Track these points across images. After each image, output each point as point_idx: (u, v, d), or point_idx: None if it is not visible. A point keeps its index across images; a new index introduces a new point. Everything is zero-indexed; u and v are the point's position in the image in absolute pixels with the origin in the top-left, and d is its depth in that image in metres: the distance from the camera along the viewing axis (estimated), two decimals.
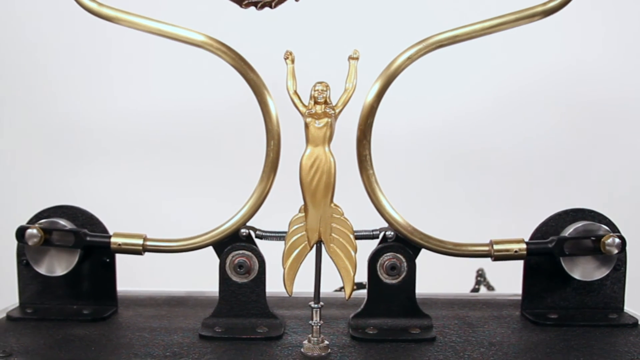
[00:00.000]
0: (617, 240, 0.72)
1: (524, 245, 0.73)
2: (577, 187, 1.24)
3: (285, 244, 0.69)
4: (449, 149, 1.27)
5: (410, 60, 0.71)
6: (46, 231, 0.74)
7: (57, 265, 0.76)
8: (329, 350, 0.67)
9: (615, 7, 1.23)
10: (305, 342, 0.67)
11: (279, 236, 0.73)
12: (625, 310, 0.77)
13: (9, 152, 1.29)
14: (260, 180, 0.72)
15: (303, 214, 0.69)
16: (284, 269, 0.69)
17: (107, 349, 0.67)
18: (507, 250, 0.73)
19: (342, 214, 0.69)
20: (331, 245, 0.69)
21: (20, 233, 0.73)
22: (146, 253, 0.75)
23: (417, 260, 0.74)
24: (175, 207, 1.27)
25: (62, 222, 0.76)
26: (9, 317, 0.76)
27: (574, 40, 1.22)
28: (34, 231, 0.73)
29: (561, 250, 0.73)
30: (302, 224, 0.69)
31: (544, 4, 0.70)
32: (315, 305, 0.67)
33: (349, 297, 0.69)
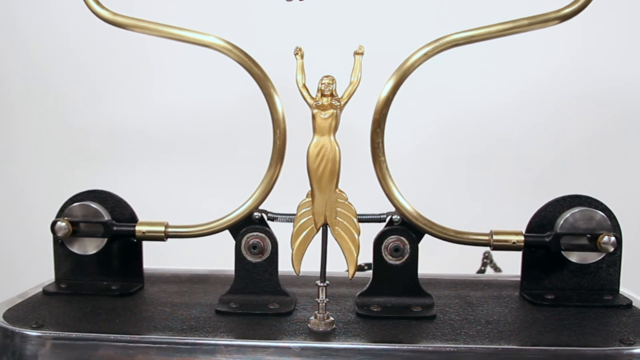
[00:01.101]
0: (612, 238, 0.74)
1: (521, 238, 0.76)
2: (579, 179, 1.25)
3: (293, 226, 0.73)
4: (457, 142, 1.29)
5: (426, 56, 0.74)
6: (74, 223, 0.80)
7: (89, 246, 0.82)
8: (334, 325, 0.70)
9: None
10: (312, 318, 0.70)
11: (288, 218, 0.76)
12: (620, 292, 0.79)
13: (51, 148, 1.38)
14: (269, 167, 0.76)
15: (310, 199, 0.72)
16: (292, 249, 0.72)
17: (130, 321, 0.72)
18: (506, 241, 0.76)
19: (347, 199, 0.72)
20: (336, 228, 0.72)
21: (52, 225, 0.80)
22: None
23: (429, 243, 0.77)
24: (194, 195, 1.32)
25: (93, 205, 0.81)
26: (45, 292, 0.81)
27: (571, 39, 1.24)
28: (63, 224, 0.79)
29: (557, 245, 0.76)
30: (309, 208, 0.72)
31: (558, 10, 0.72)
32: (321, 284, 0.70)
33: (352, 276, 0.72)
